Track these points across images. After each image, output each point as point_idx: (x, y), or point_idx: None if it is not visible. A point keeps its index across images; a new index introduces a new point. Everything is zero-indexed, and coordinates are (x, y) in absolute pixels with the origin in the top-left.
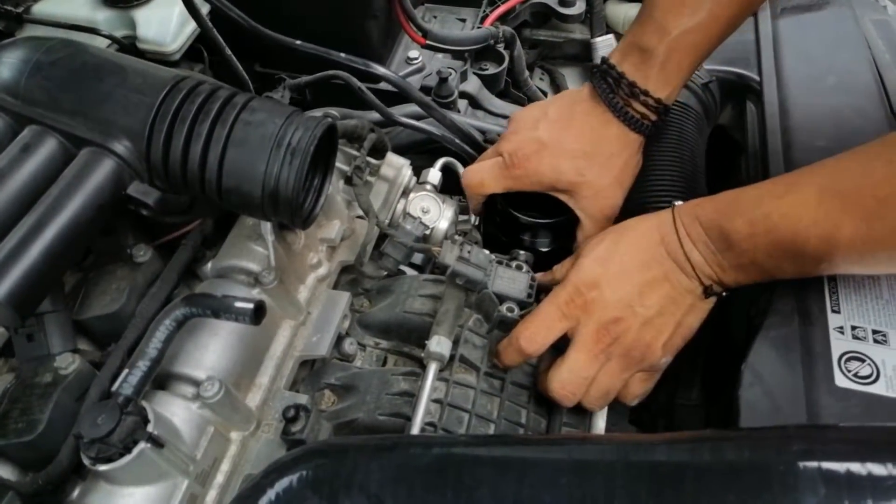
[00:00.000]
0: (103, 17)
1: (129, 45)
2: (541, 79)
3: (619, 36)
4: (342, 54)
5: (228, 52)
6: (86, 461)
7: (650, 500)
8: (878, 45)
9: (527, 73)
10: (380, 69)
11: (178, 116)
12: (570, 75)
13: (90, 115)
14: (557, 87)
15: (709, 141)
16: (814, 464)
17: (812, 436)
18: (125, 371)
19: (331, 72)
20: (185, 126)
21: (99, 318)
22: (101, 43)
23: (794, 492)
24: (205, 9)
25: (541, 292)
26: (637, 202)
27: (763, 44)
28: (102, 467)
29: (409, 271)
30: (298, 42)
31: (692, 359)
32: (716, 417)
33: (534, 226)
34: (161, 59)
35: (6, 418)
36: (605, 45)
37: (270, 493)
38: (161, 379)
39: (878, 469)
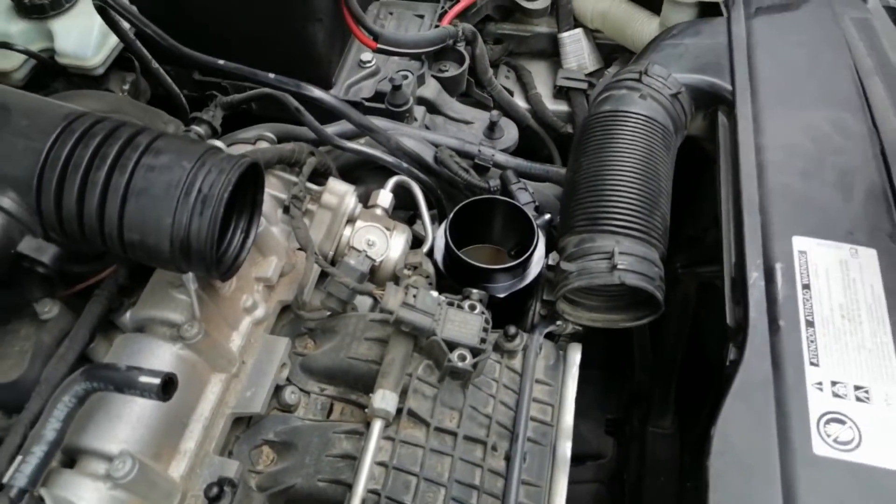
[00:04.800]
0: (17, 30)
1: (47, 60)
2: (506, 76)
3: (587, 30)
4: (271, 75)
5: (156, 64)
6: None
7: None
8: (860, 48)
9: (491, 71)
10: (314, 91)
11: (71, 163)
12: (537, 71)
13: None
14: (524, 84)
15: (679, 151)
16: None
17: None
18: (18, 458)
19: (264, 90)
20: (78, 174)
21: None
22: (16, 58)
23: None
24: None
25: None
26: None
27: (736, 48)
28: None
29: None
30: (222, 62)
31: (666, 383)
32: (690, 446)
33: (489, 272)
34: (84, 72)
35: None
36: (572, 39)
37: None
38: (70, 452)
39: None
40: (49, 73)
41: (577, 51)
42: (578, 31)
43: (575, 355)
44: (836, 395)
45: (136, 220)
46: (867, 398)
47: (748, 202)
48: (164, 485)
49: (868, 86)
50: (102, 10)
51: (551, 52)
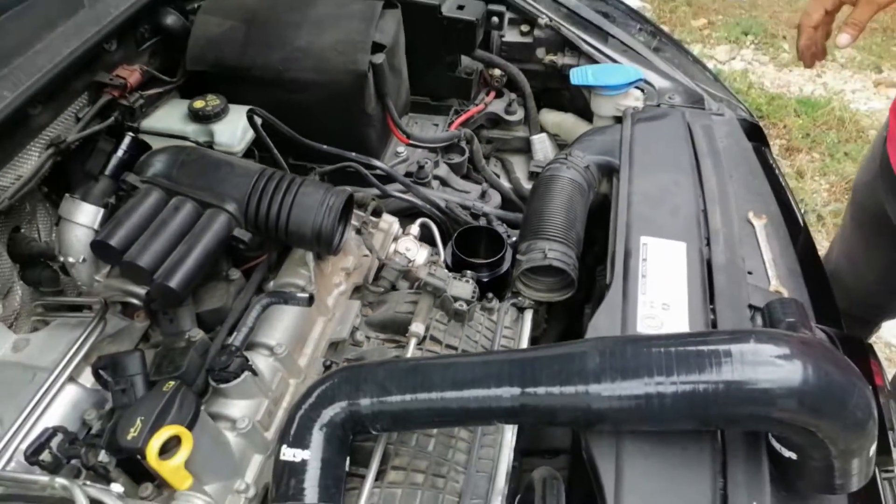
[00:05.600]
0: (191, 129)
1: (208, 147)
2: (495, 164)
3: (549, 134)
4: (352, 153)
5: (276, 151)
6: (212, 383)
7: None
8: (701, 141)
9: (483, 161)
10: (377, 163)
11: (264, 189)
12: (517, 162)
13: (213, 190)
14: (507, 170)
15: (595, 202)
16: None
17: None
18: (235, 333)
19: (346, 163)
20: (268, 196)
21: (209, 311)
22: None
23: None
24: (258, 120)
25: (482, 298)
26: (534, 235)
27: (624, 142)
28: (222, 385)
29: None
30: (325, 147)
31: None
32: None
33: (476, 265)
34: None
35: (159, 367)
36: (539, 140)
37: (318, 389)
38: (249, 344)
39: None
40: None
41: (543, 148)
42: (544, 134)
43: (528, 315)
44: (652, 307)
45: (295, 219)
46: (667, 308)
47: (621, 220)
48: (295, 367)
49: (700, 161)
50: (250, 118)
51: (526, 149)
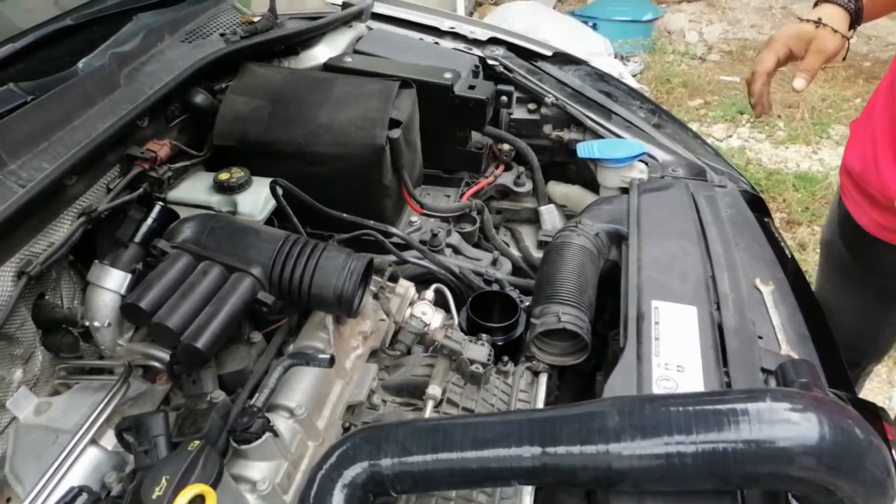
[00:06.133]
0: (216, 200)
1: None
2: (505, 234)
3: (557, 205)
4: (370, 222)
5: (296, 220)
6: (233, 444)
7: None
8: (705, 210)
9: (494, 230)
10: (393, 230)
11: (289, 254)
12: (526, 232)
13: (240, 255)
14: (517, 239)
15: (604, 269)
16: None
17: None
18: (256, 394)
19: (363, 231)
20: (292, 260)
21: (231, 373)
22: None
23: None
24: (280, 191)
25: (497, 362)
26: (547, 299)
27: (631, 211)
28: (244, 447)
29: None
30: (345, 215)
31: None
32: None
33: (491, 328)
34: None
35: (181, 428)
36: (548, 211)
37: (339, 449)
38: (269, 406)
39: None
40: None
41: (551, 218)
42: (552, 205)
43: (543, 379)
44: (667, 368)
45: (317, 282)
46: (682, 370)
47: (632, 285)
48: (314, 430)
49: (706, 229)
50: (273, 189)
51: (534, 220)
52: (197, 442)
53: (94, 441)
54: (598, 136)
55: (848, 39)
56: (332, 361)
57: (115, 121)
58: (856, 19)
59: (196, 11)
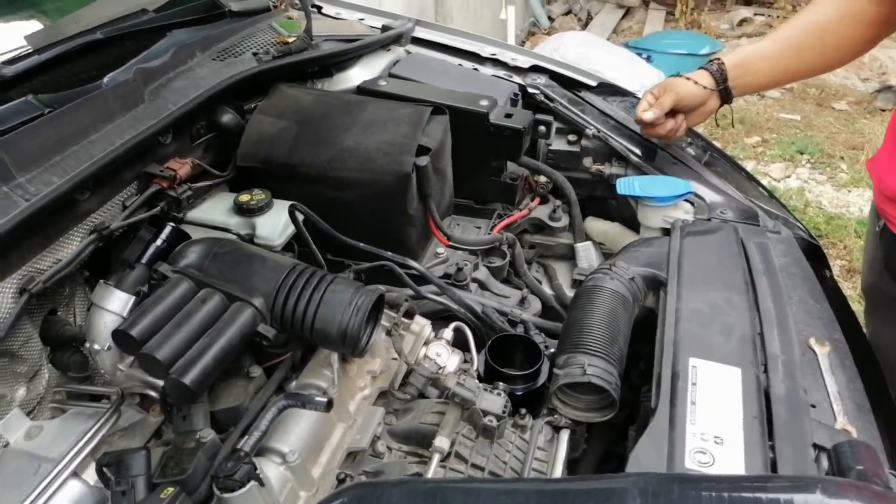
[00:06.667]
0: (234, 222)
1: (248, 240)
2: (537, 271)
3: (594, 242)
4: (388, 253)
5: (314, 247)
6: (217, 493)
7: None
8: (755, 258)
9: (525, 266)
10: (412, 263)
11: (293, 286)
12: (560, 269)
13: (242, 284)
14: (549, 276)
15: (639, 315)
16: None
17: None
18: (246, 436)
19: (381, 262)
20: (296, 292)
21: (224, 410)
22: (230, 238)
23: None
24: (299, 216)
25: (515, 414)
26: (573, 348)
27: (672, 255)
28: (227, 495)
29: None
30: (362, 245)
31: None
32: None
33: (510, 376)
34: (269, 249)
35: (165, 467)
36: (584, 248)
37: None
38: (260, 449)
39: None
40: None
41: (587, 256)
42: (588, 242)
43: (564, 435)
44: (703, 439)
45: (321, 317)
46: (720, 442)
47: (668, 338)
48: (308, 478)
49: (756, 279)
50: (292, 214)
51: (570, 256)
52: (171, 489)
53: (75, 474)
54: (641, 171)
55: (718, 93)
56: (329, 405)
57: (133, 136)
58: (719, 80)
59: (232, 30)
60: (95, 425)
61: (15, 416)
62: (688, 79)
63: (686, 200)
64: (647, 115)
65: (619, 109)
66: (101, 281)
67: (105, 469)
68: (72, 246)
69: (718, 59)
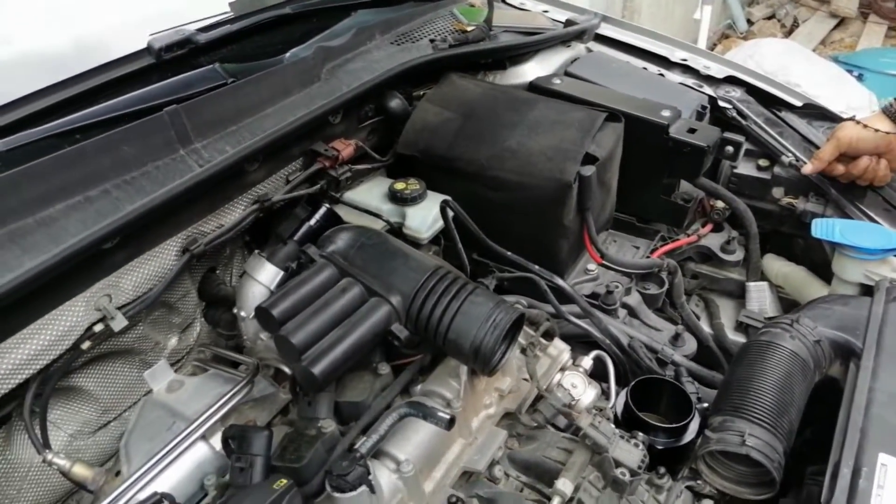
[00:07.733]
0: (387, 208)
1: (397, 228)
2: (696, 305)
3: (771, 284)
4: (535, 266)
5: (460, 245)
6: (328, 489)
7: None
8: None
9: (684, 297)
10: (558, 281)
11: (432, 290)
12: (724, 307)
13: (383, 279)
14: (711, 313)
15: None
16: None
17: None
18: (364, 438)
19: (527, 274)
20: (434, 297)
21: (348, 403)
22: (379, 223)
23: None
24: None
25: (652, 470)
26: (733, 411)
27: (872, 321)
28: (337, 495)
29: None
30: (509, 253)
31: None
32: None
33: (652, 426)
34: (415, 241)
35: (284, 451)
36: (758, 289)
37: None
38: (376, 452)
39: None
40: (395, 235)
41: (760, 298)
42: (764, 283)
43: None
44: None
45: (456, 328)
46: None
47: (854, 424)
48: (418, 492)
49: None
50: (443, 210)
51: (738, 295)
52: (284, 481)
53: (204, 437)
54: (843, 213)
55: None
56: (451, 423)
57: (305, 113)
58: None
59: (413, 14)
60: (231, 391)
61: (161, 367)
62: (858, 122)
63: None
64: (805, 169)
65: (826, 136)
66: (256, 251)
67: (230, 440)
68: (235, 213)
69: None
